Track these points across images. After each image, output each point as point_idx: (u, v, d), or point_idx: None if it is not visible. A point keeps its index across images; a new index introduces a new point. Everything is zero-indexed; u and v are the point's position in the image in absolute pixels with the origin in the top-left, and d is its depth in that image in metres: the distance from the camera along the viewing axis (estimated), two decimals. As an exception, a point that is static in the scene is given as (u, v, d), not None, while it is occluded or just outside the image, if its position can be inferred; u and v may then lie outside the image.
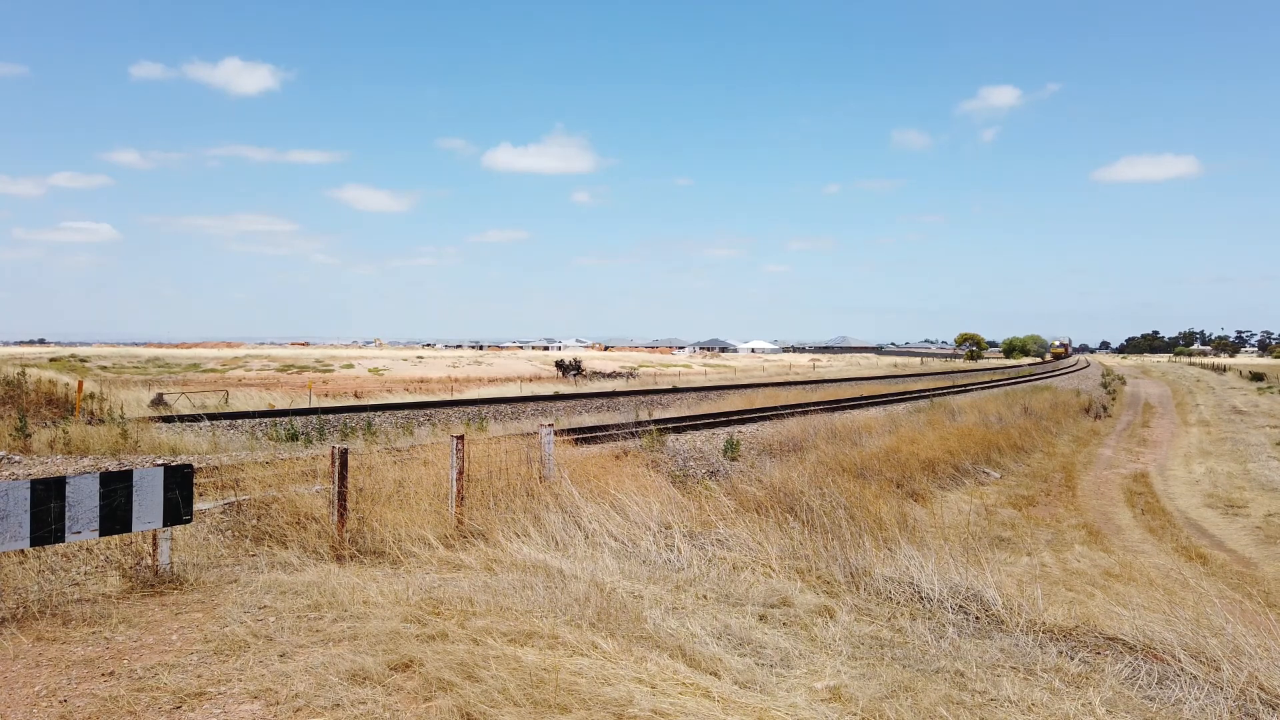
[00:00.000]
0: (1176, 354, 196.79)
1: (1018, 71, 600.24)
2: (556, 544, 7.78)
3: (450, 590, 6.15)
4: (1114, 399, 45.53)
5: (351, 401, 29.96)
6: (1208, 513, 17.24)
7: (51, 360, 59.94)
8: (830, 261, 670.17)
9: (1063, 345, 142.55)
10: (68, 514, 5.83)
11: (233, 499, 8.79)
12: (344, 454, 7.80)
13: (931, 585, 6.38)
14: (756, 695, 4.40)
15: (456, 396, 33.68)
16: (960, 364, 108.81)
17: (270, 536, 7.91)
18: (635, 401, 29.61)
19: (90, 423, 14.91)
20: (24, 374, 19.79)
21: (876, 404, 29.06)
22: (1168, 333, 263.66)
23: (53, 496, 5.76)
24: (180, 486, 6.48)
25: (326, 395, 34.90)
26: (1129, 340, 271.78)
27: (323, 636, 5.15)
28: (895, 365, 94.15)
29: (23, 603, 5.74)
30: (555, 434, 10.66)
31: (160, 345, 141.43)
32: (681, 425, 19.25)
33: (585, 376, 56.43)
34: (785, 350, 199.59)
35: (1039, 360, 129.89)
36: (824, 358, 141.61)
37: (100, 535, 6.06)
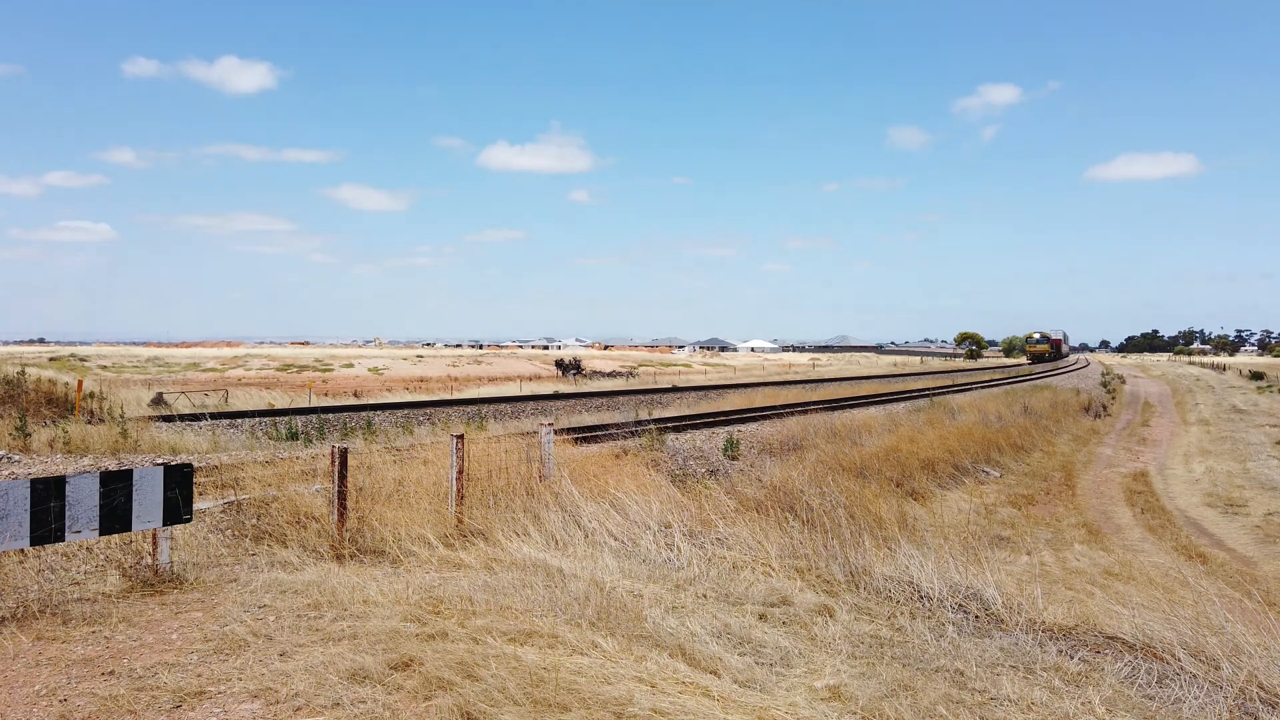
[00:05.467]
0: (1176, 353, 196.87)
1: (1018, 69, 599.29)
2: (556, 543, 7.78)
3: (450, 589, 6.15)
4: (1114, 398, 45.54)
5: (351, 401, 29.96)
6: (1207, 511, 17.25)
7: (51, 359, 59.96)
8: (829, 260, 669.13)
9: (1048, 341, 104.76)
10: (67, 513, 5.83)
11: (232, 498, 8.79)
12: (344, 453, 7.80)
13: (931, 584, 6.38)
14: (756, 694, 4.40)
15: (456, 396, 33.68)
16: (960, 363, 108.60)
17: (270, 535, 7.91)
18: (635, 401, 29.61)
19: (90, 422, 14.92)
20: (23, 373, 19.78)
21: (876, 403, 29.07)
22: (1167, 332, 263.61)
23: (52, 496, 5.76)
24: (180, 486, 6.48)
25: (326, 394, 34.91)
26: (1129, 339, 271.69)
27: (322, 635, 5.15)
28: (895, 364, 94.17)
29: (23, 602, 5.74)
30: (555, 433, 10.67)
31: (159, 344, 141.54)
32: (681, 424, 19.26)
33: (585, 376, 56.44)
34: (785, 349, 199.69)
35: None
36: (824, 357, 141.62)
37: (100, 534, 6.06)
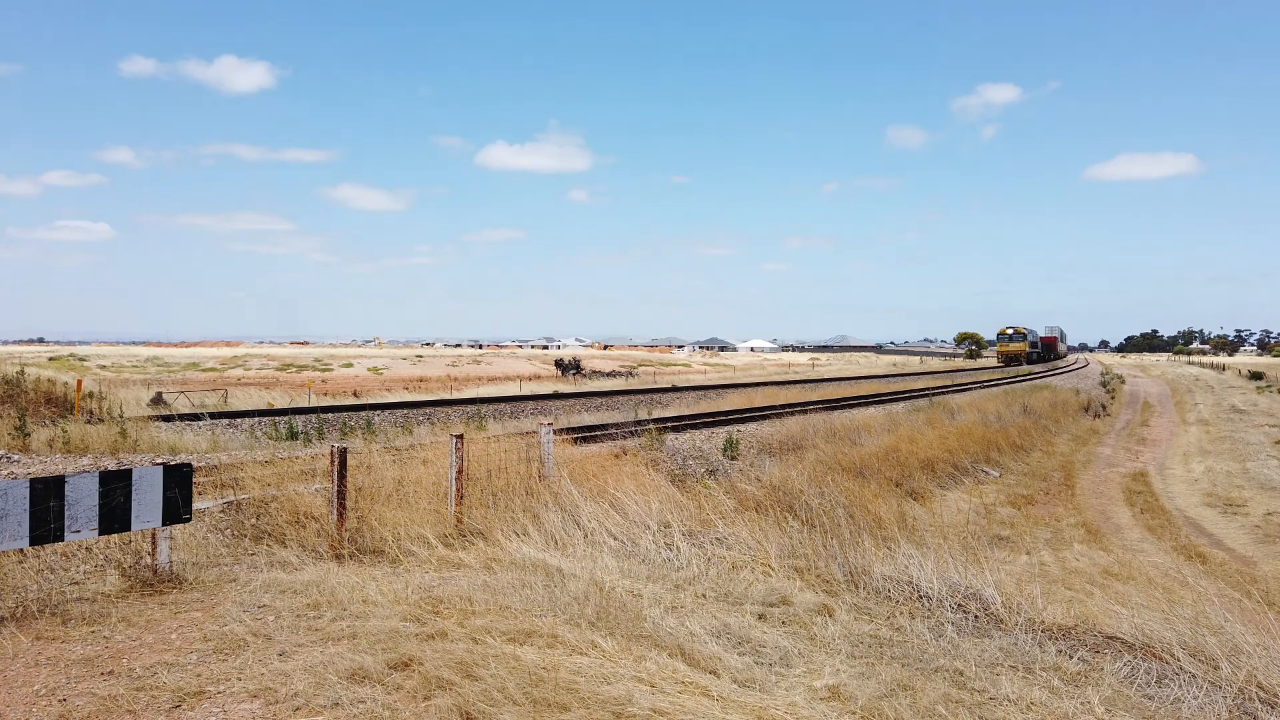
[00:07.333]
0: (1176, 353, 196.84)
1: (1018, 69, 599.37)
2: (556, 543, 7.78)
3: (449, 589, 6.15)
4: (1113, 398, 45.54)
5: (350, 400, 29.93)
6: (1207, 511, 17.25)
7: (50, 359, 59.96)
8: (829, 260, 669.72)
9: (1025, 338, 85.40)
10: (67, 513, 5.83)
11: (232, 498, 8.78)
12: (343, 453, 7.80)
13: (930, 584, 6.38)
14: (756, 694, 4.40)
15: (456, 395, 33.65)
16: (959, 363, 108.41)
17: (269, 535, 7.91)
18: (634, 400, 29.60)
19: (89, 422, 14.90)
20: (23, 373, 19.76)
21: (875, 403, 29.07)
22: (1167, 331, 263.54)
23: (52, 495, 5.75)
24: (179, 485, 6.47)
25: (326, 394, 34.89)
26: (1128, 339, 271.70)
27: (322, 635, 5.15)
28: (894, 364, 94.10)
29: (22, 602, 5.74)
30: (554, 433, 10.66)
31: (159, 344, 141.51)
32: (681, 424, 19.26)
33: (584, 375, 56.43)
34: (784, 349, 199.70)
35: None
36: (823, 356, 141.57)
37: (99, 534, 6.06)
